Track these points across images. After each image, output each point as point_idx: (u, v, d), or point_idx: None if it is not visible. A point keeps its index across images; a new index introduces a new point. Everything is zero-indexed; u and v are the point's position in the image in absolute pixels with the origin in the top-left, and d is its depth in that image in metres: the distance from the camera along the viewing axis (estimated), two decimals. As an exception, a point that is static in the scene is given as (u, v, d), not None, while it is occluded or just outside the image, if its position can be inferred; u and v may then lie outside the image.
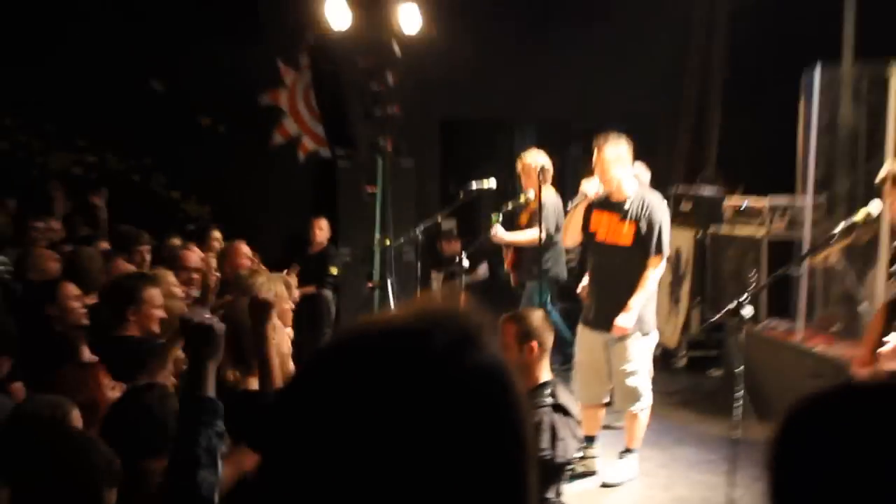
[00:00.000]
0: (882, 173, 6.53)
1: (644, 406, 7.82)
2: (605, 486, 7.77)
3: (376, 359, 1.17)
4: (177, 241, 10.09)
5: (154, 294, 6.22)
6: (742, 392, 6.03)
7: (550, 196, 9.46)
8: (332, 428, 1.16)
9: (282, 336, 5.38)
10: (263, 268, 8.24)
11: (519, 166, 10.35)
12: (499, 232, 9.95)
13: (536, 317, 5.85)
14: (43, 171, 12.98)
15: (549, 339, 5.78)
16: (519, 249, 10.29)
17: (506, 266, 10.82)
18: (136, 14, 12.30)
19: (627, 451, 7.91)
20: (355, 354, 1.20)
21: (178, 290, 7.34)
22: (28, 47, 12.47)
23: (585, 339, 7.98)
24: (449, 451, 1.14)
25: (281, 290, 6.15)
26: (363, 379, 1.16)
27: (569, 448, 5.47)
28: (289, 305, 6.22)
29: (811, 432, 1.57)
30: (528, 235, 9.82)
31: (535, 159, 9.75)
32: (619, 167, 7.76)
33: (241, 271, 7.84)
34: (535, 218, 9.40)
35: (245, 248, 9.06)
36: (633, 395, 7.74)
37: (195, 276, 8.04)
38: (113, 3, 12.32)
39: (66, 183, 12.48)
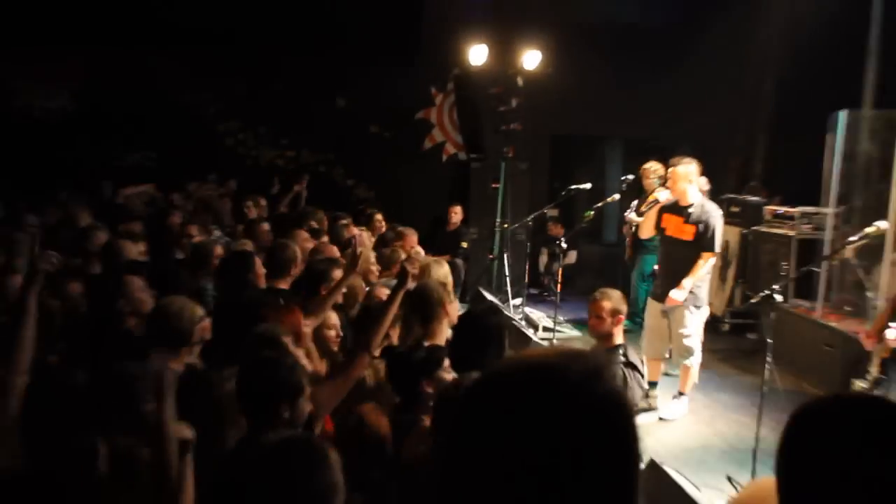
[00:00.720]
0: None
1: (694, 361, 7.72)
2: (661, 419, 7.69)
3: (529, 387, 1.17)
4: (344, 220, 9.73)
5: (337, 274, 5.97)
6: (771, 356, 6.07)
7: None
8: (499, 438, 1.15)
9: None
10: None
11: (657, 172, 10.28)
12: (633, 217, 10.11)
13: (619, 296, 5.78)
14: (255, 161, 13.58)
15: (625, 311, 5.76)
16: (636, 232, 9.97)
17: (627, 244, 10.68)
18: (327, 48, 12.60)
19: (680, 394, 7.87)
20: (514, 383, 1.20)
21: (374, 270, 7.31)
22: (248, 72, 13.07)
23: (652, 308, 7.99)
24: (582, 457, 1.14)
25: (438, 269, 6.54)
26: (520, 402, 1.16)
27: (635, 394, 5.48)
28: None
29: (814, 433, 1.62)
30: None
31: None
32: (687, 181, 7.77)
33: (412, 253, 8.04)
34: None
35: (414, 237, 9.29)
36: (687, 352, 7.65)
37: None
38: (311, 41, 12.56)
39: (272, 171, 13.04)
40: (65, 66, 13.11)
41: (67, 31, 12.10)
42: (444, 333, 5.06)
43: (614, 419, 1.19)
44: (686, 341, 7.68)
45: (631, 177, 10.54)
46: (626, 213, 10.52)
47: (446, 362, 4.27)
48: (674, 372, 8.30)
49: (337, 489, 2.40)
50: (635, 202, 10.36)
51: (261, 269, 6.00)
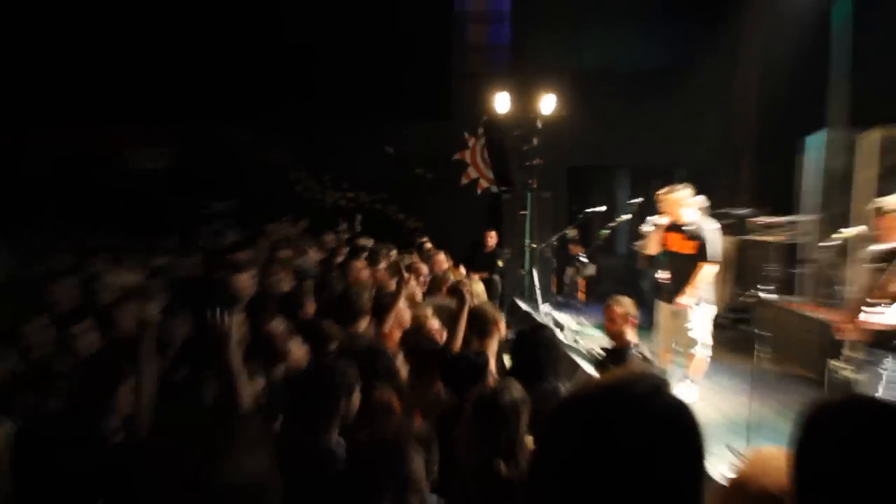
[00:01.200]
0: (871, 206, 6.09)
1: (700, 351, 7.62)
2: None
3: (605, 403, 1.17)
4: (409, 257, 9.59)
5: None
6: (760, 344, 6.25)
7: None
8: (584, 444, 1.14)
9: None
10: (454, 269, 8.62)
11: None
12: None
13: (629, 302, 5.84)
14: (321, 203, 13.87)
15: (635, 315, 5.82)
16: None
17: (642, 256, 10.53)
18: (376, 107, 12.84)
19: (688, 378, 7.74)
20: (592, 401, 1.19)
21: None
22: (312, 130, 13.38)
23: (663, 309, 7.99)
24: (655, 460, 1.12)
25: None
26: (600, 415, 1.15)
27: None
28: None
29: (825, 433, 1.52)
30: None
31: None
32: (678, 206, 7.83)
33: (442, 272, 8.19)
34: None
35: (442, 257, 9.30)
36: (691, 342, 7.64)
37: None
38: (362, 102, 12.78)
39: (336, 212, 13.27)
40: (162, 135, 13.62)
41: (163, 107, 12.54)
42: (496, 346, 5.18)
43: (680, 423, 1.19)
44: (690, 334, 7.69)
45: (639, 199, 10.75)
46: (641, 228, 10.57)
47: (491, 367, 4.36)
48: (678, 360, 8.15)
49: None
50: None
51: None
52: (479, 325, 5.16)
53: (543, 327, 5.33)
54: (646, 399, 1.19)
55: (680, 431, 1.19)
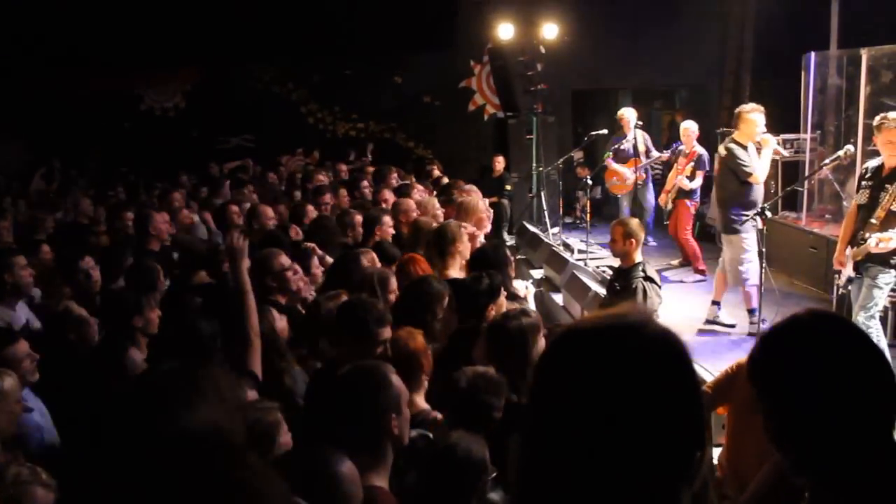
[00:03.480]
0: (875, 121, 5.79)
1: (749, 281, 7.08)
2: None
3: (601, 331, 1.15)
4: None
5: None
6: (765, 261, 6.23)
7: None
8: (580, 373, 1.12)
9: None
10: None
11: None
12: None
13: (634, 222, 5.78)
14: (333, 134, 13.80)
15: (642, 236, 5.70)
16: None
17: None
18: (384, 39, 12.56)
19: (749, 311, 7.22)
20: (587, 331, 1.18)
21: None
22: (321, 64, 13.33)
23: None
24: (652, 380, 1.10)
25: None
26: (597, 342, 1.13)
27: (654, 302, 5.40)
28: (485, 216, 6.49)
29: (788, 345, 1.59)
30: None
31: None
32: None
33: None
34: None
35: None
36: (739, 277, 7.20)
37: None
38: (370, 34, 12.54)
39: (347, 142, 13.40)
40: (177, 76, 13.55)
41: (178, 50, 12.42)
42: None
43: (670, 349, 1.15)
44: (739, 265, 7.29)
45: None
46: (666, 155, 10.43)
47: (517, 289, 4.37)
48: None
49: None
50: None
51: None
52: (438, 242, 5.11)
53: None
54: (637, 327, 1.15)
55: (671, 357, 1.15)
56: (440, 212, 6.94)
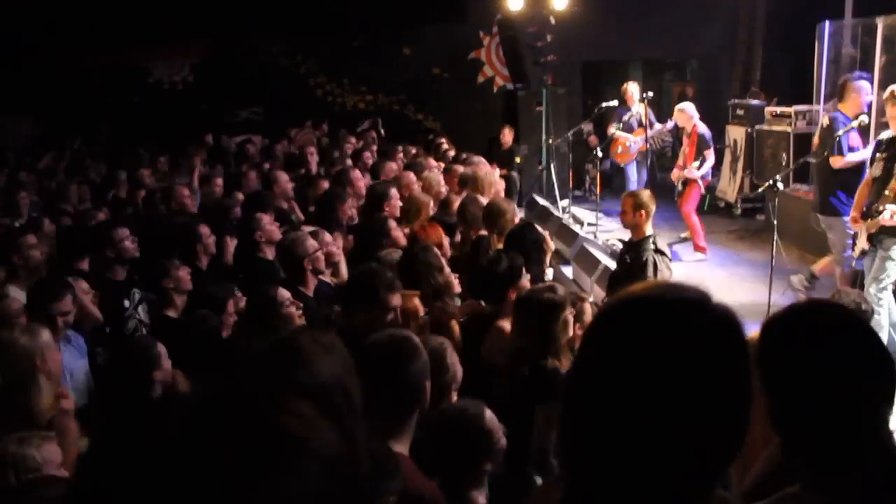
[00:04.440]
0: (886, 93, 5.84)
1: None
2: None
3: (655, 308, 1.11)
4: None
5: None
6: (777, 235, 6.17)
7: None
8: (634, 351, 1.08)
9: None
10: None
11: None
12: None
13: (645, 194, 5.70)
14: (342, 107, 13.71)
15: (653, 208, 5.58)
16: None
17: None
18: (392, 11, 12.51)
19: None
20: (640, 306, 1.13)
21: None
22: (330, 35, 13.19)
23: None
24: (707, 363, 1.06)
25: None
26: (650, 319, 1.09)
27: (664, 275, 5.32)
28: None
29: (787, 333, 1.62)
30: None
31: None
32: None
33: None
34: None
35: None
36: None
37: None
38: (379, 6, 12.52)
39: (356, 114, 13.31)
40: (186, 49, 13.43)
41: (186, 24, 12.32)
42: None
43: (731, 329, 1.11)
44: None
45: (650, 94, 10.51)
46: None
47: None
48: None
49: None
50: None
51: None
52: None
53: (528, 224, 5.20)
54: (698, 306, 1.11)
55: (730, 339, 1.11)
56: (444, 188, 6.95)
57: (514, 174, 12.01)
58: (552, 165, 11.41)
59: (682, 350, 1.07)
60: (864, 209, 5.78)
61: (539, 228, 5.21)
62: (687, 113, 9.50)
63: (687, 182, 9.35)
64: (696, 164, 9.27)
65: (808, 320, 1.64)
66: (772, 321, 1.65)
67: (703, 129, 9.40)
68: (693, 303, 1.12)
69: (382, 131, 11.81)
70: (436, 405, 2.84)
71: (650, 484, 1.06)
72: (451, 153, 10.08)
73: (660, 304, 1.13)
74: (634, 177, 10.78)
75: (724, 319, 1.12)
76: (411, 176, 6.99)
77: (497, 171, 8.16)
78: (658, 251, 5.42)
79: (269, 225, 5.42)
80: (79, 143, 11.81)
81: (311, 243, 4.62)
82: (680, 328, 1.09)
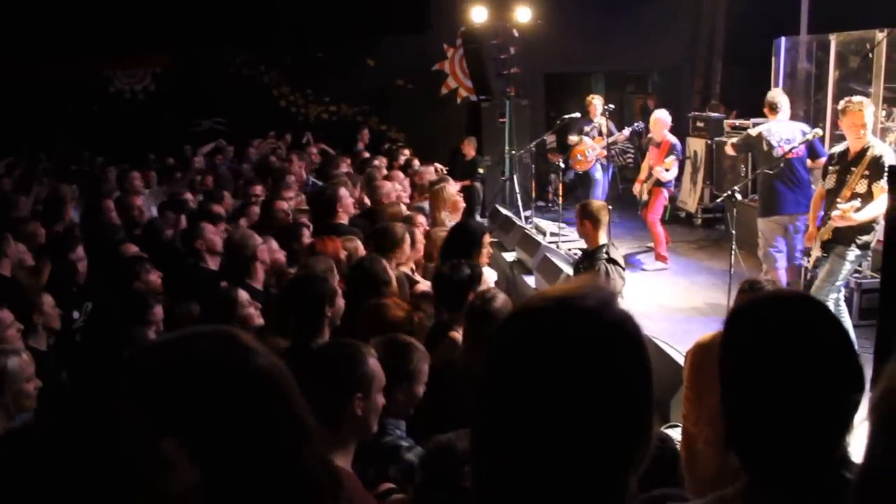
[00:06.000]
0: (840, 105, 5.85)
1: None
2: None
3: (557, 313, 1.11)
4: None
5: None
6: (735, 244, 6.27)
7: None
8: (535, 357, 1.08)
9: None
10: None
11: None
12: None
13: (596, 205, 5.78)
14: (305, 117, 13.59)
15: (605, 218, 5.62)
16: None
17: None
18: (356, 22, 12.44)
19: None
20: (543, 311, 1.13)
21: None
22: (293, 46, 13.06)
23: None
24: (607, 366, 1.07)
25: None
26: (551, 324, 1.10)
27: (617, 284, 5.36)
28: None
29: (749, 325, 1.53)
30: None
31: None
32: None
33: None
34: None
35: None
36: None
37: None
38: (343, 17, 12.39)
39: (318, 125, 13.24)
40: (147, 58, 13.23)
41: (147, 34, 12.17)
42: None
43: (629, 334, 1.12)
44: None
45: (612, 106, 10.55)
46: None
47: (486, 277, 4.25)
48: None
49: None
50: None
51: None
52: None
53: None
54: (597, 311, 1.11)
55: (629, 341, 1.12)
56: (403, 195, 7.13)
57: (478, 185, 11.92)
58: (515, 176, 11.41)
59: (574, 356, 1.07)
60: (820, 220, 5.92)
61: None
62: (662, 121, 9.45)
63: (651, 192, 9.37)
64: (665, 166, 9.31)
65: (772, 311, 1.54)
66: (734, 314, 1.58)
67: (673, 139, 9.42)
68: (587, 310, 1.11)
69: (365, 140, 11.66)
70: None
71: (551, 491, 1.07)
72: (416, 163, 10.02)
73: (555, 311, 1.12)
74: (599, 188, 10.81)
75: (618, 326, 1.12)
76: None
77: (458, 184, 8.10)
78: (611, 260, 5.46)
79: (211, 234, 5.34)
80: (45, 161, 11.53)
81: (258, 238, 4.77)
82: (572, 335, 1.09)
